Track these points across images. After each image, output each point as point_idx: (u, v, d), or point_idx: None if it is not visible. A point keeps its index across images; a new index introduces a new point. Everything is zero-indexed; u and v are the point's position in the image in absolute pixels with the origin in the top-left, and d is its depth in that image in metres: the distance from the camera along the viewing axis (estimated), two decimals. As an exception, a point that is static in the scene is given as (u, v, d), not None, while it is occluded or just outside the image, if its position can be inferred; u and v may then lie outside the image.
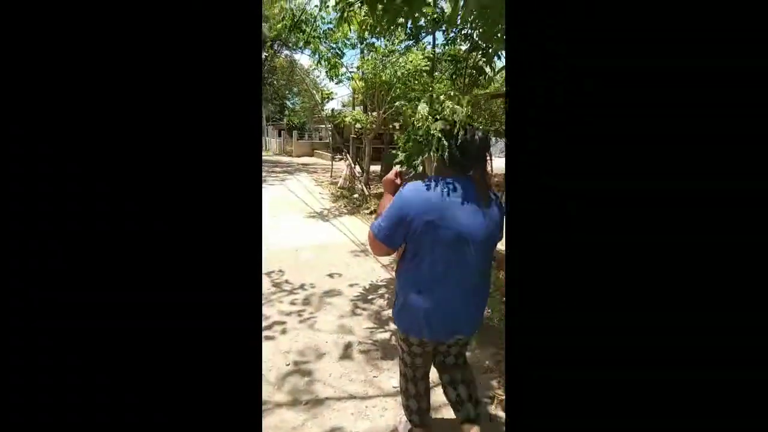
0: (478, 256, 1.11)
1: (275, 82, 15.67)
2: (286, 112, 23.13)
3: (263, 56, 13.73)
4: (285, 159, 17.13)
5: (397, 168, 1.31)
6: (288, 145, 20.57)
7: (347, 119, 7.20)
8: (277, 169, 12.43)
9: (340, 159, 9.97)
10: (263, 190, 7.74)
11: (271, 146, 23.02)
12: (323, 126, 22.10)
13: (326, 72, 5.86)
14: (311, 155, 18.55)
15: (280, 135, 21.81)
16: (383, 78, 5.41)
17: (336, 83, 5.96)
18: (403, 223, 1.08)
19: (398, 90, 5.45)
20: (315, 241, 4.36)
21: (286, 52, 14.57)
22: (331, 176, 9.94)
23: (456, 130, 1.10)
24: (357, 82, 6.64)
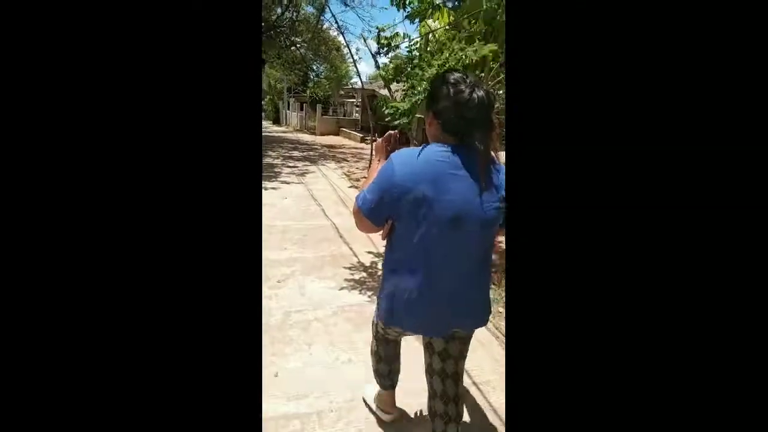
0: (476, 239, 0.94)
1: (297, 44, 12.82)
2: (310, 84, 20.55)
3: (279, 10, 10.99)
4: (306, 138, 14.49)
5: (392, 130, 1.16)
6: (310, 121, 17.91)
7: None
8: (296, 153, 9.79)
9: (373, 140, 7.37)
10: (274, 189, 5.23)
11: (291, 120, 20.42)
12: (351, 100, 19.44)
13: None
14: (337, 134, 15.89)
15: (302, 108, 19.15)
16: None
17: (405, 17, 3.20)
18: (389, 196, 0.91)
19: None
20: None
21: (310, 8, 11.80)
22: (368, 168, 7.28)
23: (449, 85, 0.90)
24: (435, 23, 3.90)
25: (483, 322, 1.06)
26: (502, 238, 2.28)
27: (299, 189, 5.61)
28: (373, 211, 0.94)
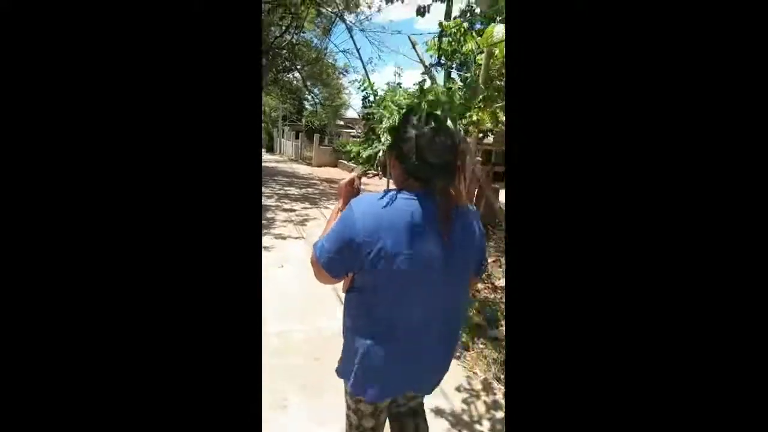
0: (444, 292, 0.88)
1: (296, 68, 11.71)
2: (305, 113, 19.58)
3: (277, 32, 9.94)
4: (302, 169, 13.20)
5: (356, 171, 1.12)
6: (307, 151, 16.71)
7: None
8: (293, 190, 8.41)
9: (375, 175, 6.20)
10: (266, 249, 3.84)
11: (286, 149, 19.21)
12: (348, 130, 18.41)
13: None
14: (335, 165, 14.67)
15: (297, 137, 17.99)
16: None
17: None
18: (348, 247, 0.82)
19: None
20: None
21: (310, 34, 10.81)
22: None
23: (411, 126, 0.85)
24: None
25: (430, 390, 1.00)
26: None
27: (300, 248, 4.19)
28: (332, 262, 0.84)
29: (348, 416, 1.03)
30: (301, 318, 2.60)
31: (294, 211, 6.16)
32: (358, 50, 9.86)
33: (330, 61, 12.31)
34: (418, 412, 1.12)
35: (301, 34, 10.78)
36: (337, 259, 0.83)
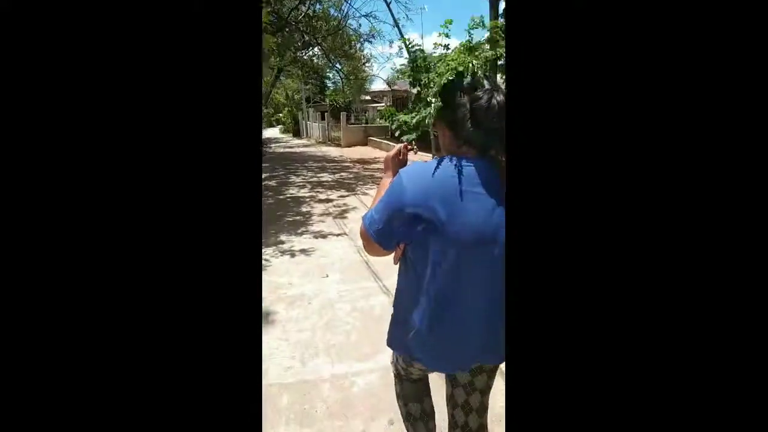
0: (498, 264, 0.78)
1: (316, 41, 10.90)
2: (327, 92, 18.83)
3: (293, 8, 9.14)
4: (332, 151, 12.60)
5: (404, 141, 1.07)
6: (333, 131, 16.04)
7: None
8: (326, 176, 7.85)
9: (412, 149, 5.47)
10: (305, 252, 3.33)
11: (313, 132, 18.58)
12: (374, 105, 17.51)
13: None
14: (365, 144, 13.99)
15: (323, 118, 17.33)
16: None
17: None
18: (398, 217, 0.78)
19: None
20: None
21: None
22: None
23: (464, 91, 0.80)
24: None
25: (497, 359, 0.93)
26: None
27: (344, 247, 3.63)
28: (382, 234, 0.81)
29: (397, 391, 1.07)
30: (359, 354, 2.04)
31: (331, 201, 5.60)
32: (388, 4, 8.86)
33: (352, 28, 11.41)
34: (485, 394, 1.01)
35: (317, 5, 9.94)
36: (386, 231, 0.81)
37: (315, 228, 4.28)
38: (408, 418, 1.12)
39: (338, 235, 4.04)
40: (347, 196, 5.93)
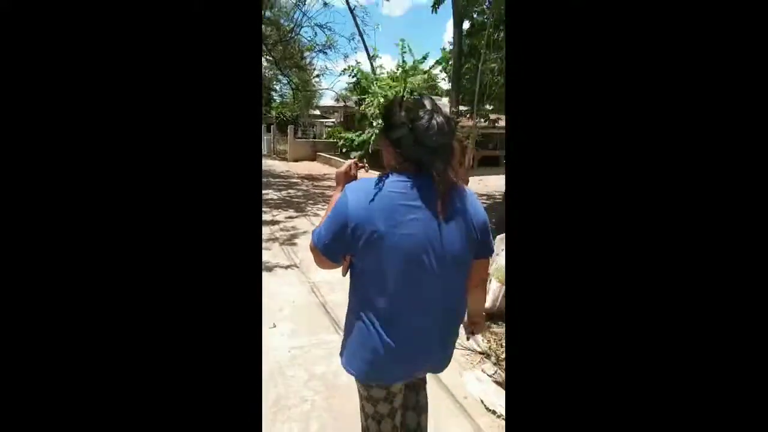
0: (438, 278, 0.85)
1: (264, 59, 10.20)
2: (273, 103, 17.93)
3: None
4: (279, 166, 11.80)
5: (352, 158, 1.10)
6: (280, 145, 15.20)
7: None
8: (272, 193, 7.10)
9: (361, 167, 5.08)
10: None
11: (257, 144, 17.55)
12: (323, 120, 16.98)
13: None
14: (313, 159, 13.33)
15: (269, 131, 16.39)
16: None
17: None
18: (344, 232, 0.83)
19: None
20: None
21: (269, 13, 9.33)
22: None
23: (406, 111, 0.85)
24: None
25: (440, 369, 0.99)
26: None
27: (295, 284, 3.02)
28: (329, 248, 0.86)
29: (362, 407, 1.01)
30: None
31: (277, 223, 4.93)
32: (352, 10, 8.44)
33: (306, 38, 10.87)
34: (418, 384, 1.10)
35: (267, 12, 9.31)
36: (333, 245, 0.84)
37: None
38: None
39: (287, 267, 3.41)
40: (296, 217, 5.29)
